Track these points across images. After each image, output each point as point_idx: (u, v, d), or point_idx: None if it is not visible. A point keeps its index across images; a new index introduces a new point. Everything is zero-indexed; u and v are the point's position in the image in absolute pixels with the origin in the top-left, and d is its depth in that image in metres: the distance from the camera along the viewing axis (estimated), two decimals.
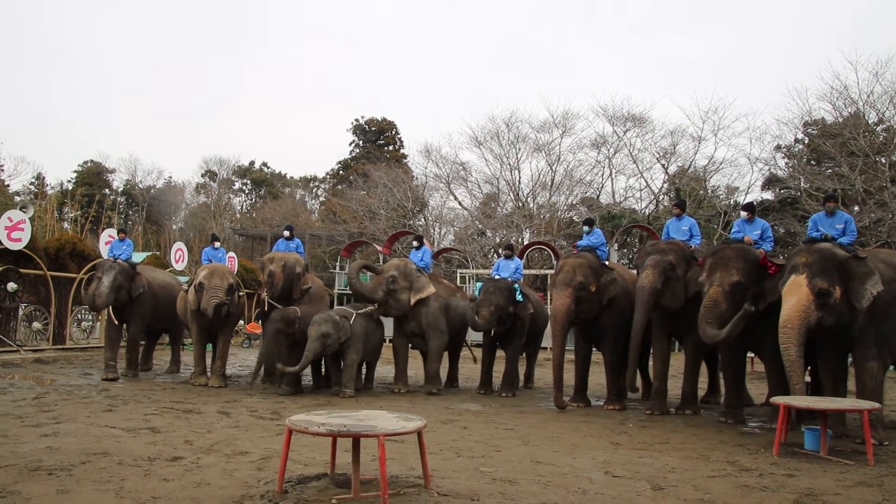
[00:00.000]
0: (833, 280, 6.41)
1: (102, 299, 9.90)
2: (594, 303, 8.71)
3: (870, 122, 23.46)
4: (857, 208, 21.81)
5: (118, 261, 10.28)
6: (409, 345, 10.26)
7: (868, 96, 23.07)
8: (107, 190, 43.15)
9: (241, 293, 10.40)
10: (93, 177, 42.83)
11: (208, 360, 10.36)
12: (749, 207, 8.53)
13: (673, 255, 8.14)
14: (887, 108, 23.07)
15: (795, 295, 6.41)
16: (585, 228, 9.61)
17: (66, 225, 31.81)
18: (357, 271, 10.02)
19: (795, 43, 56.94)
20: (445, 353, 10.61)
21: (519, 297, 9.76)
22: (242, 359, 14.10)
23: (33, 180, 38.29)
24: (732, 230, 8.49)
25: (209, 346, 10.43)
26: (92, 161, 44.31)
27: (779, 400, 6.17)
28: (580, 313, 8.71)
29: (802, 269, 6.48)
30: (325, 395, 9.17)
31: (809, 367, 8.05)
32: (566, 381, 10.51)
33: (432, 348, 9.97)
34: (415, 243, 10.77)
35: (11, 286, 12.15)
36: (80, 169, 43.59)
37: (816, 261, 6.50)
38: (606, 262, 9.21)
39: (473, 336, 14.52)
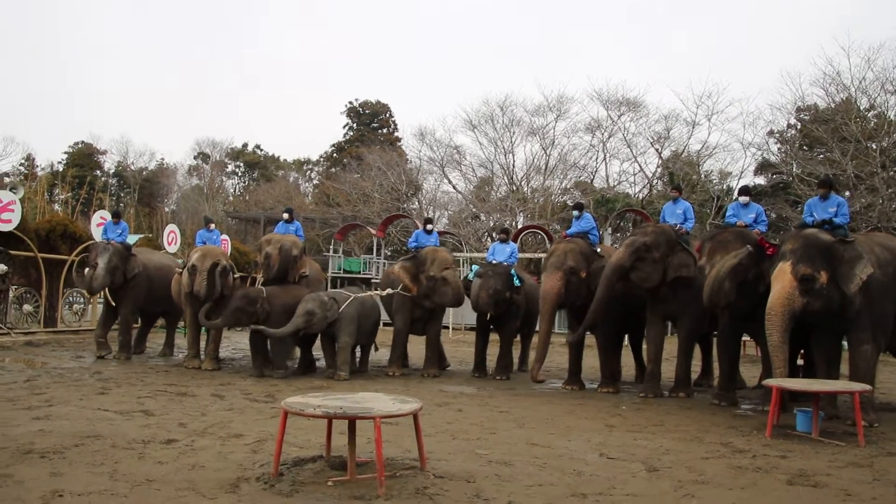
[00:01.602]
0: (817, 265, 6.44)
1: (99, 281, 9.87)
2: (583, 288, 8.72)
3: (861, 108, 23.47)
4: (848, 193, 21.86)
5: (112, 242, 10.22)
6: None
7: (860, 82, 23.06)
8: (98, 171, 42.74)
9: (235, 276, 10.34)
10: (84, 158, 42.39)
11: (202, 344, 10.32)
12: (746, 191, 8.56)
13: (651, 237, 8.15)
14: (878, 94, 23.08)
15: (780, 282, 6.48)
16: (575, 213, 9.57)
17: (56, 206, 31.51)
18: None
19: (790, 28, 56.84)
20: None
21: (516, 282, 9.76)
22: (236, 342, 14.06)
23: (23, 161, 37.97)
24: (727, 214, 8.50)
25: (203, 329, 10.38)
26: (83, 142, 43.87)
27: (771, 382, 6.21)
28: (569, 297, 8.77)
29: (788, 256, 6.54)
30: (319, 378, 9.16)
31: (802, 351, 8.11)
32: (561, 366, 10.61)
33: (436, 331, 10.13)
34: (428, 227, 10.72)
35: (1, 268, 12.04)
36: (71, 150, 43.12)
37: (801, 247, 6.55)
38: (598, 249, 9.20)
39: (468, 319, 14.48)
